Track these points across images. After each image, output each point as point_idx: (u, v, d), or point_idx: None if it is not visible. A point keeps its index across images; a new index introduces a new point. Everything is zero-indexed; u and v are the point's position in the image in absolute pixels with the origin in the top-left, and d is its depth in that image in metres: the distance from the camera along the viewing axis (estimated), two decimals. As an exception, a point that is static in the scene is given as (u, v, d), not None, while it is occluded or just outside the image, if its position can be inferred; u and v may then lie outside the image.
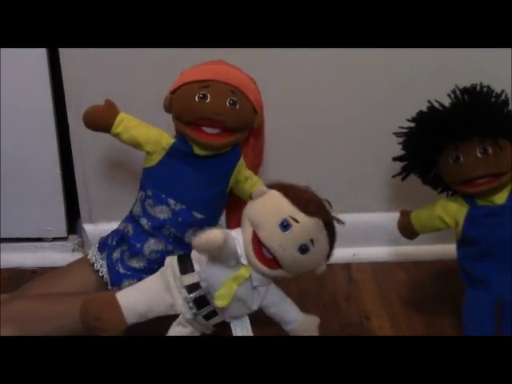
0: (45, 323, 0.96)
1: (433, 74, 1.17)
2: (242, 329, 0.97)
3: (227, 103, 0.97)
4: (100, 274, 1.04)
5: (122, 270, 1.02)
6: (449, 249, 1.14)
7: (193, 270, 0.94)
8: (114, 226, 1.10)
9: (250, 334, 0.97)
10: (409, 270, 1.28)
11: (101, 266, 1.04)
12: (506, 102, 1.02)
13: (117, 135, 1.01)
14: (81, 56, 1.12)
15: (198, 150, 1.00)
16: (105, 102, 1.01)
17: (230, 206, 1.10)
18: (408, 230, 1.12)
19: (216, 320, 0.96)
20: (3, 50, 1.11)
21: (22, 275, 1.23)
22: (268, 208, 0.92)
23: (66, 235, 1.30)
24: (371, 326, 1.15)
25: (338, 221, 0.94)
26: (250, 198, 0.95)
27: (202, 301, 0.93)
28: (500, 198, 1.02)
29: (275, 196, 0.92)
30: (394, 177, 1.10)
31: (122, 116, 1.01)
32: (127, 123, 1.01)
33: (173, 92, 1.01)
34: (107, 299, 0.92)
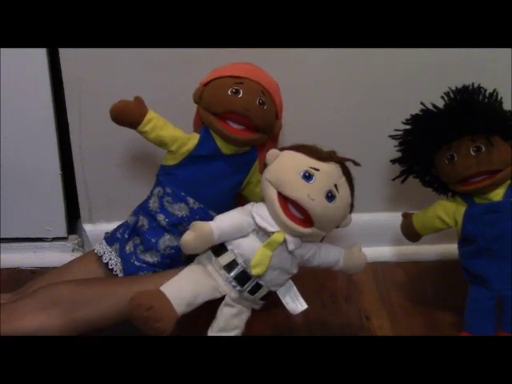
0: (90, 306, 0.96)
1: (433, 74, 1.17)
2: (291, 297, 0.99)
3: (257, 102, 1.00)
4: (110, 266, 1.04)
5: (137, 263, 1.03)
6: (449, 249, 1.15)
7: (226, 250, 0.96)
8: (114, 225, 1.10)
9: (301, 299, 0.99)
10: (409, 270, 1.28)
11: (110, 259, 1.04)
12: (499, 100, 1.04)
13: (143, 133, 1.01)
14: (81, 56, 1.12)
15: (221, 145, 1.02)
16: (135, 99, 1.01)
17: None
18: (410, 232, 1.13)
19: (262, 292, 0.97)
20: (3, 50, 1.11)
21: (21, 275, 1.23)
22: (286, 164, 0.95)
23: (66, 235, 1.29)
24: (371, 326, 1.15)
25: (354, 162, 0.97)
26: (265, 164, 0.97)
27: (243, 277, 0.95)
28: (497, 195, 1.03)
29: (289, 153, 0.96)
30: (393, 180, 1.11)
31: (150, 115, 1.01)
32: (155, 123, 1.01)
33: (205, 85, 1.02)
34: (154, 292, 0.93)
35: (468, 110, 1.02)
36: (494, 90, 1.04)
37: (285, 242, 0.94)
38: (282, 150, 0.97)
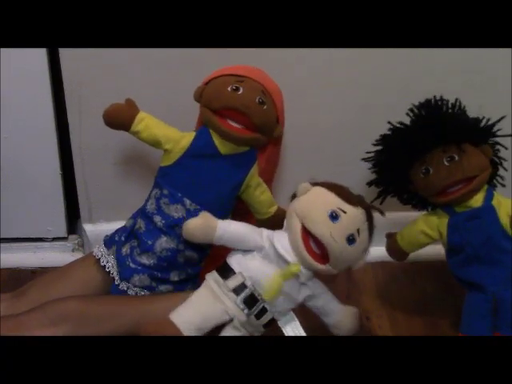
0: (97, 324, 0.96)
1: (433, 74, 1.17)
2: (292, 328, 0.99)
3: (257, 100, 1.00)
4: (106, 269, 1.04)
5: (132, 265, 1.03)
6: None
7: (234, 273, 0.96)
8: (114, 225, 1.10)
9: (302, 331, 0.99)
10: (409, 270, 1.28)
11: (107, 262, 1.04)
12: (462, 109, 1.05)
13: (136, 133, 1.02)
14: (81, 56, 1.12)
15: (219, 144, 1.01)
16: (126, 101, 1.02)
17: (234, 210, 1.09)
18: (396, 251, 1.13)
19: (266, 318, 0.97)
20: (3, 50, 1.11)
21: (21, 275, 1.23)
22: (316, 201, 0.96)
23: (66, 235, 1.30)
24: (371, 326, 1.15)
25: (380, 211, 0.99)
26: (294, 195, 0.98)
27: (251, 299, 0.95)
28: (476, 201, 1.03)
29: (320, 190, 0.97)
30: (372, 202, 1.12)
31: (142, 115, 1.02)
32: (147, 122, 1.02)
33: (206, 84, 1.03)
34: (164, 323, 0.93)
35: (435, 121, 1.02)
36: (456, 100, 1.04)
37: (298, 273, 0.95)
38: (314, 184, 0.98)
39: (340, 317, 1.01)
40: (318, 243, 0.93)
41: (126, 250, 1.04)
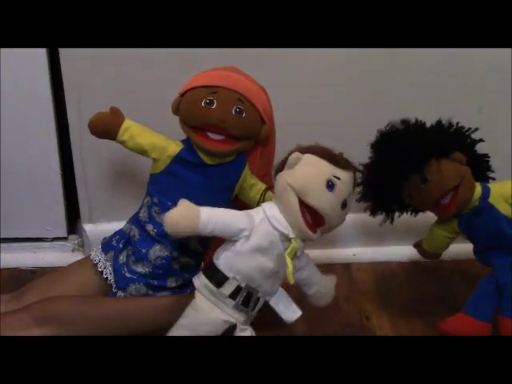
0: (83, 326, 0.96)
1: (433, 75, 1.17)
2: (284, 305, 0.99)
3: (233, 111, 0.96)
4: (104, 275, 1.03)
5: (128, 275, 1.02)
6: (449, 249, 1.14)
7: (227, 278, 0.95)
8: (113, 225, 1.10)
9: (294, 306, 0.99)
10: (409, 270, 1.28)
11: (105, 268, 1.03)
12: (421, 127, 1.04)
13: (122, 143, 1.00)
14: (81, 56, 1.12)
15: (203, 156, 0.99)
16: (110, 110, 0.99)
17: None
18: (430, 256, 1.15)
19: (259, 305, 0.98)
20: (3, 50, 1.11)
21: (22, 275, 1.23)
22: (311, 172, 0.94)
23: (66, 235, 1.30)
24: (371, 326, 1.15)
25: (359, 171, 1.00)
26: (281, 166, 0.97)
27: (247, 298, 0.95)
28: (474, 202, 1.04)
29: (313, 159, 0.95)
30: (381, 225, 1.11)
31: (127, 124, 0.99)
32: (132, 131, 0.99)
33: (182, 95, 1.00)
34: None
35: (396, 156, 1.01)
36: (417, 121, 1.04)
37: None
38: (300, 151, 0.96)
39: (321, 287, 1.03)
40: (313, 213, 0.93)
41: (122, 257, 1.03)
